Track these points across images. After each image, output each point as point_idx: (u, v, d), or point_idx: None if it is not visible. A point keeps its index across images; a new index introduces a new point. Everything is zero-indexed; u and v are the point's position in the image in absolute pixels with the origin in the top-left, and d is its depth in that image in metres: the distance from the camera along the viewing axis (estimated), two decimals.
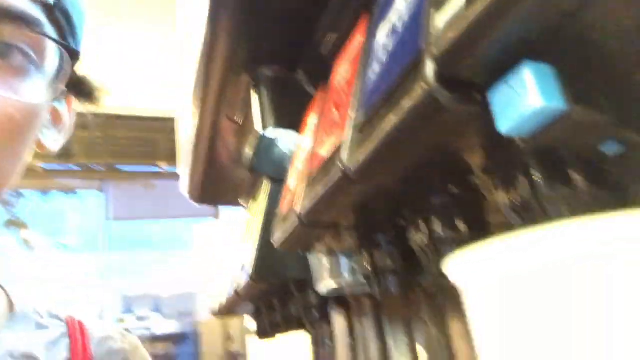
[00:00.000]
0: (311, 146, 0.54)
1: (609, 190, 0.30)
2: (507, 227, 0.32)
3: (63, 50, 0.38)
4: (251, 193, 1.07)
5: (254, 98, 0.76)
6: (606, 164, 0.29)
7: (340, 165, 0.38)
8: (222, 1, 0.60)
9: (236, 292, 0.83)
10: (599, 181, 0.29)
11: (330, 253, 0.60)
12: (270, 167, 0.81)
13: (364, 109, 0.38)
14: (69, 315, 0.48)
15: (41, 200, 4.83)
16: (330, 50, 0.58)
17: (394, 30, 0.38)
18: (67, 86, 0.42)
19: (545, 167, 0.29)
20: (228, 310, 1.02)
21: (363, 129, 0.37)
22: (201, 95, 0.84)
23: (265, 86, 0.71)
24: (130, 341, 0.51)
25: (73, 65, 0.40)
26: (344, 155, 0.38)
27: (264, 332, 0.97)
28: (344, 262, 0.62)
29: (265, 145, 0.77)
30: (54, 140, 0.44)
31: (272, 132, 0.74)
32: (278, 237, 0.57)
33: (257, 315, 0.96)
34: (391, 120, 0.33)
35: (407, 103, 0.30)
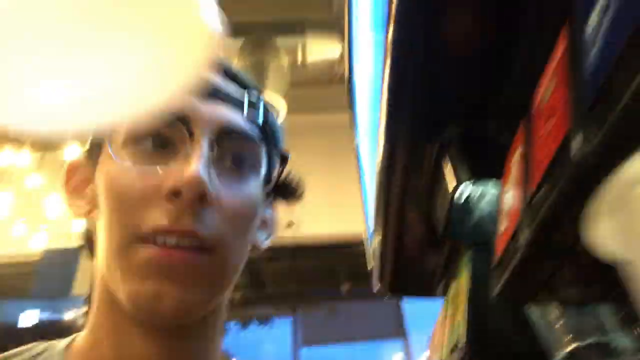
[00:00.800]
0: (521, 173, 0.49)
1: None
2: None
3: (273, 157, 0.46)
4: (445, 277, 1.01)
5: (443, 164, 0.75)
6: None
7: (571, 151, 0.34)
8: (404, 69, 0.63)
9: None
10: None
11: (570, 303, 0.51)
12: (469, 231, 0.76)
13: (589, 88, 0.34)
14: None
15: (236, 330, 5.21)
16: (525, 82, 0.56)
17: (606, 9, 0.35)
18: (273, 189, 0.49)
19: None
20: None
21: (595, 106, 0.33)
22: (386, 177, 0.86)
23: (454, 145, 0.69)
24: None
25: (280, 169, 0.48)
26: (578, 140, 0.34)
27: None
28: (595, 314, 0.52)
29: (459, 209, 0.74)
30: (263, 242, 0.49)
31: (465, 192, 0.70)
32: (498, 286, 0.51)
33: None
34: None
35: None
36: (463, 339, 0.66)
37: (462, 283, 0.79)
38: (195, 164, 0.37)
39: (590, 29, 0.37)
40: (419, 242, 1.00)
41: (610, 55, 0.33)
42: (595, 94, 0.33)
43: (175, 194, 0.36)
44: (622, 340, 0.52)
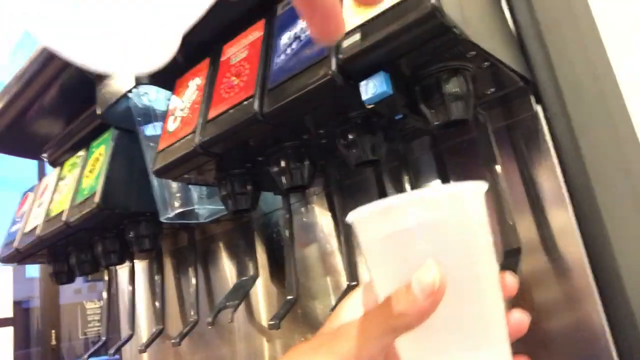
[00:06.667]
0: (202, 100, 0.74)
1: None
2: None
3: None
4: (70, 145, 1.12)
5: None
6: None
7: (254, 109, 0.62)
8: None
9: (66, 224, 0.91)
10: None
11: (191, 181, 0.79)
12: (120, 117, 0.94)
13: (273, 80, 0.62)
14: None
15: None
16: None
17: (296, 38, 0.64)
18: None
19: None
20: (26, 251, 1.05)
21: (273, 91, 0.62)
22: None
23: None
24: None
25: None
26: (257, 104, 0.62)
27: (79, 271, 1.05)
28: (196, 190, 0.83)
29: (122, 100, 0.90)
30: None
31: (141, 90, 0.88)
32: (161, 164, 0.73)
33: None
34: (299, 88, 0.59)
35: (314, 80, 0.57)
36: (99, 194, 0.85)
37: (98, 152, 0.96)
38: None
39: (282, 42, 0.65)
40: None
41: (286, 71, 0.62)
42: (274, 85, 0.62)
43: None
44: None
